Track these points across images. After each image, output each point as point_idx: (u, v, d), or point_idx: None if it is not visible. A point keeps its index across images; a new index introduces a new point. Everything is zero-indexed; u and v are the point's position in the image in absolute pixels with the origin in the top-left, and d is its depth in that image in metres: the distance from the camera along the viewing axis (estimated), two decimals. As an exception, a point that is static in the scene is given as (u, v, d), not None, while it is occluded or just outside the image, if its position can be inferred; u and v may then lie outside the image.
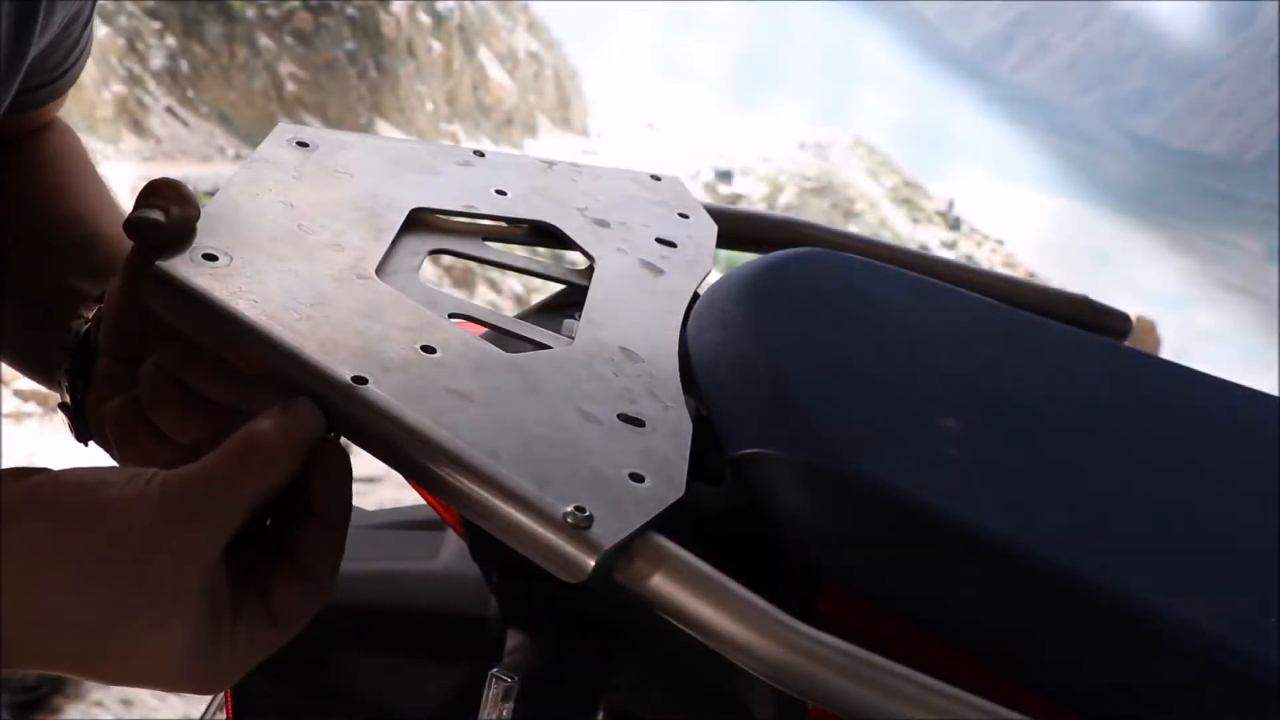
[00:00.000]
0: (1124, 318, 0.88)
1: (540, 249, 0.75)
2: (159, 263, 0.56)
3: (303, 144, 0.69)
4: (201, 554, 0.50)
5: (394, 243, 0.65)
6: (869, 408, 0.63)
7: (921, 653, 0.54)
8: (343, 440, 0.55)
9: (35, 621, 0.49)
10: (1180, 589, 0.56)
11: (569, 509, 0.50)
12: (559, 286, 0.72)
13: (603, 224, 0.74)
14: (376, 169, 0.70)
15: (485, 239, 0.71)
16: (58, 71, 0.78)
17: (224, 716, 0.82)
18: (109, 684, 0.53)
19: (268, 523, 0.55)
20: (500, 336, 0.64)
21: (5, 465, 0.53)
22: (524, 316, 0.69)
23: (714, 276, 0.74)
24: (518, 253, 0.73)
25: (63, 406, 0.70)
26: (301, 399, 0.53)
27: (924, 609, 0.56)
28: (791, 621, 0.49)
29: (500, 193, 0.73)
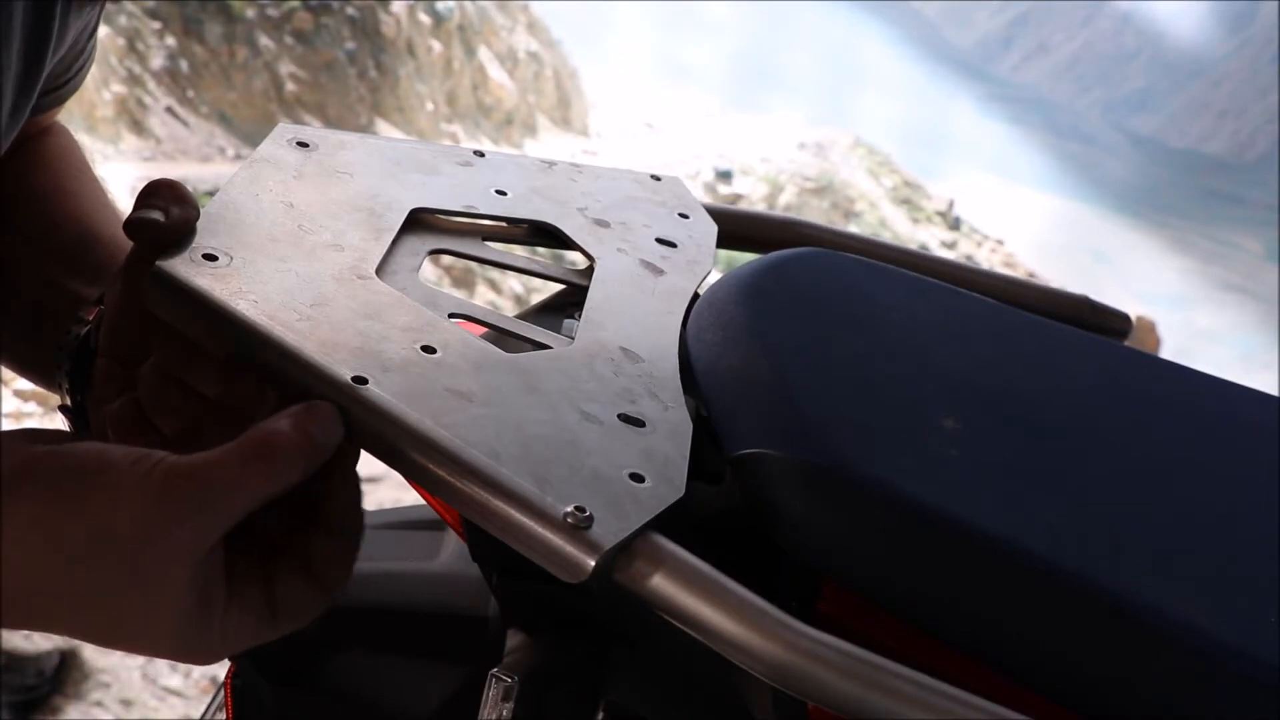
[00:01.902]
0: (1124, 318, 0.88)
1: (540, 249, 0.75)
2: (159, 263, 0.56)
3: (303, 144, 0.69)
4: (193, 547, 0.50)
5: (394, 243, 0.65)
6: (869, 408, 0.63)
7: (921, 653, 0.54)
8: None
9: (24, 588, 0.50)
10: (1180, 589, 0.56)
11: (569, 509, 0.50)
12: (559, 286, 0.72)
13: (603, 224, 0.74)
14: (377, 169, 0.70)
15: (485, 239, 0.71)
16: (62, 79, 0.78)
17: (224, 717, 0.82)
18: (97, 644, 0.54)
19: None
20: (500, 336, 0.64)
21: None
22: (524, 316, 0.69)
23: (714, 276, 0.74)
24: (518, 253, 0.73)
25: (63, 409, 0.70)
26: (325, 403, 0.53)
27: (924, 609, 0.56)
28: (791, 621, 0.49)
29: (500, 193, 0.73)
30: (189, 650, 0.52)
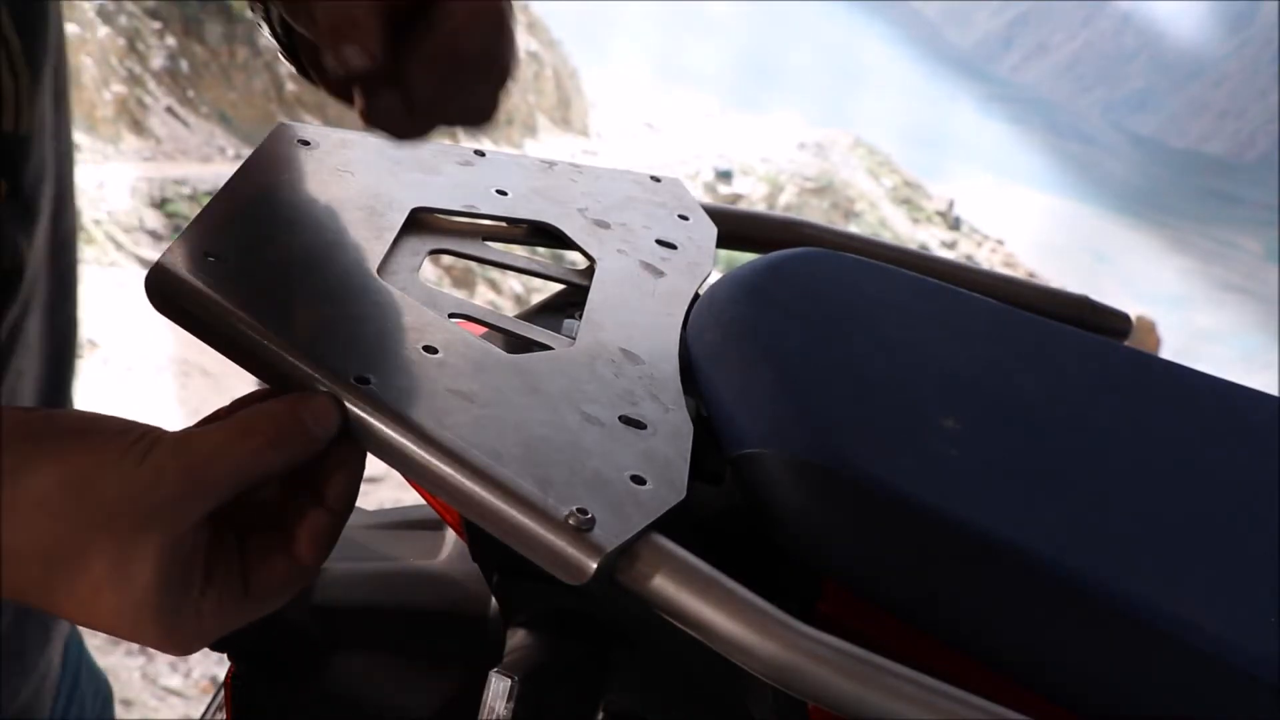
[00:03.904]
0: (1124, 318, 0.88)
1: (540, 249, 0.75)
2: (160, 261, 0.57)
3: (304, 142, 0.69)
4: (175, 516, 0.50)
5: (395, 242, 0.65)
6: (869, 408, 0.63)
7: (921, 653, 0.54)
8: None
9: (4, 544, 0.49)
10: (1180, 589, 0.56)
11: (571, 511, 0.50)
12: (559, 286, 0.72)
13: (603, 225, 0.74)
14: (377, 168, 0.70)
15: (485, 239, 0.71)
16: None
17: (224, 717, 0.82)
18: (76, 621, 0.53)
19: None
20: (501, 336, 0.64)
21: None
22: (524, 316, 0.69)
23: (714, 277, 0.74)
24: (518, 253, 0.73)
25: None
26: (323, 393, 0.53)
27: (924, 609, 0.56)
28: (791, 621, 0.49)
29: (501, 193, 0.73)
30: (165, 626, 0.51)
